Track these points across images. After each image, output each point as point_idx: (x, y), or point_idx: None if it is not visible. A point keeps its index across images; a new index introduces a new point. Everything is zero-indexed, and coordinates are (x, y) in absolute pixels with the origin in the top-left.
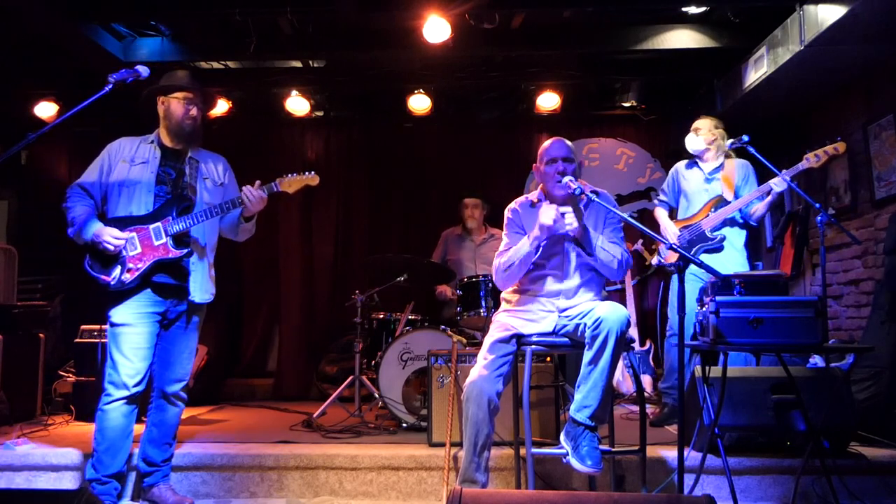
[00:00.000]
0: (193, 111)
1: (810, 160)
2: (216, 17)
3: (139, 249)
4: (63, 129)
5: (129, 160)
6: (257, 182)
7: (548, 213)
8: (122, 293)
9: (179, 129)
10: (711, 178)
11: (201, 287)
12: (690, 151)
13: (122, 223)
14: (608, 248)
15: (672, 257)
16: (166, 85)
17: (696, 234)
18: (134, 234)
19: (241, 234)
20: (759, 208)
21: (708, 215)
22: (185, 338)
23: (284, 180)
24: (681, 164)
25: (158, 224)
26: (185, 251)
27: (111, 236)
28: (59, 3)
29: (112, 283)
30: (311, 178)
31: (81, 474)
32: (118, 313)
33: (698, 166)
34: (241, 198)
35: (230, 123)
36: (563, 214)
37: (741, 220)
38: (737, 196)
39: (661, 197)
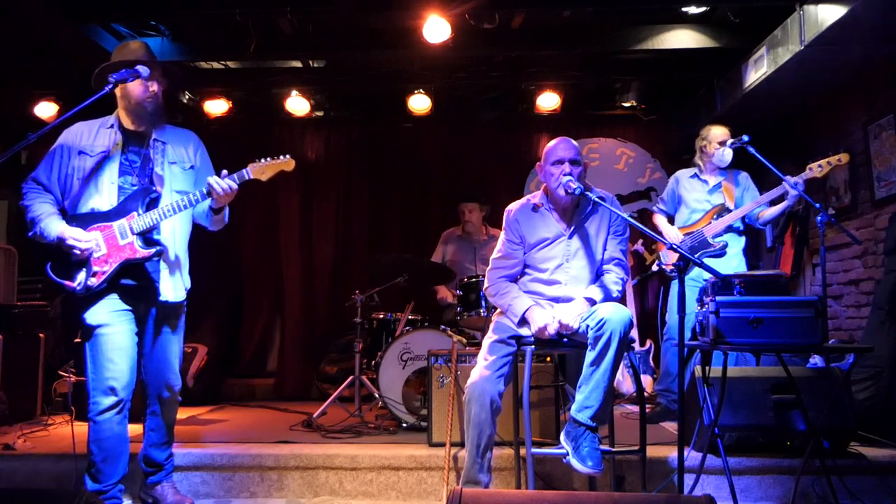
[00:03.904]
0: (154, 87)
1: (813, 170)
2: (216, 17)
3: (104, 250)
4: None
5: (88, 149)
6: (224, 172)
7: (542, 318)
8: (92, 296)
9: (140, 109)
10: (715, 189)
11: (174, 286)
12: (722, 166)
13: (85, 220)
14: (609, 287)
15: (673, 260)
16: (119, 62)
17: (698, 240)
18: (98, 232)
19: (213, 224)
20: (770, 212)
21: (710, 223)
22: (169, 340)
23: (256, 166)
24: (682, 174)
25: (123, 221)
26: (154, 251)
27: (76, 239)
28: (59, 3)
29: (77, 288)
30: (286, 163)
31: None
32: (93, 314)
33: (700, 177)
34: (209, 189)
35: (230, 123)
36: (559, 322)
37: (741, 227)
38: (738, 205)
39: (661, 205)
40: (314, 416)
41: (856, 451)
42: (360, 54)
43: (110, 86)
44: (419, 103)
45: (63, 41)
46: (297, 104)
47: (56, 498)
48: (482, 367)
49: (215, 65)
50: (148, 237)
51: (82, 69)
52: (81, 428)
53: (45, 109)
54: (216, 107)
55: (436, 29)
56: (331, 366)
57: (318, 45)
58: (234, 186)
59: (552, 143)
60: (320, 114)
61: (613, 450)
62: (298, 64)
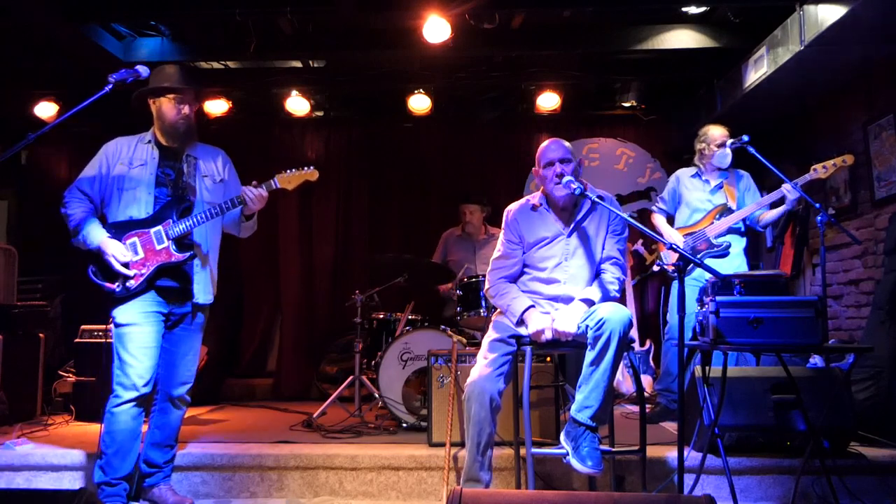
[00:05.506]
0: (185, 109)
1: (818, 171)
2: (216, 17)
3: (142, 255)
4: (63, 129)
5: (127, 162)
6: (254, 182)
7: (538, 323)
8: (128, 296)
9: (173, 129)
10: (716, 189)
11: (205, 288)
12: (722, 167)
13: (123, 227)
14: (606, 287)
15: (673, 260)
16: (155, 87)
17: (700, 240)
18: (136, 238)
19: (244, 231)
20: (769, 215)
21: (712, 223)
22: (190, 339)
23: (283, 176)
24: (683, 173)
25: (159, 227)
26: (188, 255)
27: (115, 254)
28: (59, 3)
29: (117, 290)
30: (310, 173)
31: (84, 474)
32: (123, 313)
33: (701, 177)
34: (242, 197)
35: (230, 123)
36: (554, 329)
37: (742, 228)
38: (739, 206)
39: (660, 205)
40: (314, 416)
41: (856, 451)
42: (360, 54)
43: (110, 86)
44: (419, 103)
45: (63, 41)
46: (297, 104)
47: (56, 498)
48: (482, 365)
49: (215, 65)
50: (182, 242)
51: (82, 69)
52: (81, 428)
53: (45, 109)
54: (216, 107)
55: (436, 29)
56: (331, 366)
57: (318, 45)
58: (265, 194)
59: (542, 146)
60: (320, 114)
61: (613, 450)
62: (298, 64)
